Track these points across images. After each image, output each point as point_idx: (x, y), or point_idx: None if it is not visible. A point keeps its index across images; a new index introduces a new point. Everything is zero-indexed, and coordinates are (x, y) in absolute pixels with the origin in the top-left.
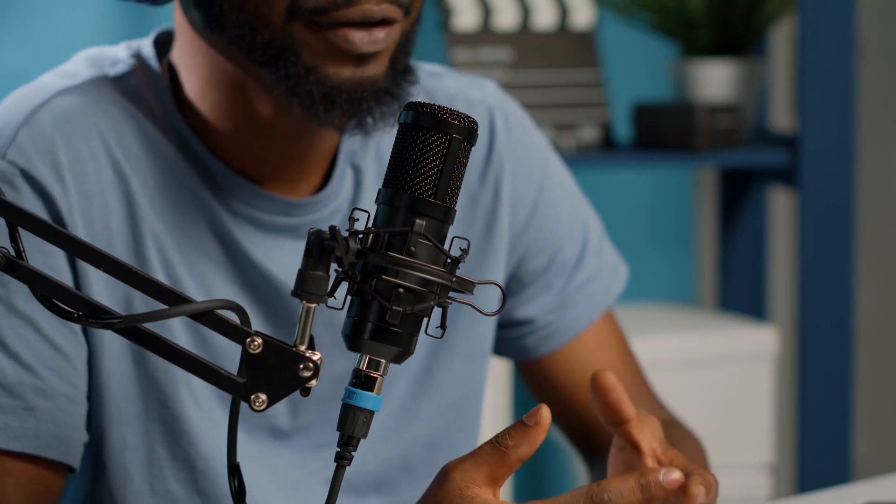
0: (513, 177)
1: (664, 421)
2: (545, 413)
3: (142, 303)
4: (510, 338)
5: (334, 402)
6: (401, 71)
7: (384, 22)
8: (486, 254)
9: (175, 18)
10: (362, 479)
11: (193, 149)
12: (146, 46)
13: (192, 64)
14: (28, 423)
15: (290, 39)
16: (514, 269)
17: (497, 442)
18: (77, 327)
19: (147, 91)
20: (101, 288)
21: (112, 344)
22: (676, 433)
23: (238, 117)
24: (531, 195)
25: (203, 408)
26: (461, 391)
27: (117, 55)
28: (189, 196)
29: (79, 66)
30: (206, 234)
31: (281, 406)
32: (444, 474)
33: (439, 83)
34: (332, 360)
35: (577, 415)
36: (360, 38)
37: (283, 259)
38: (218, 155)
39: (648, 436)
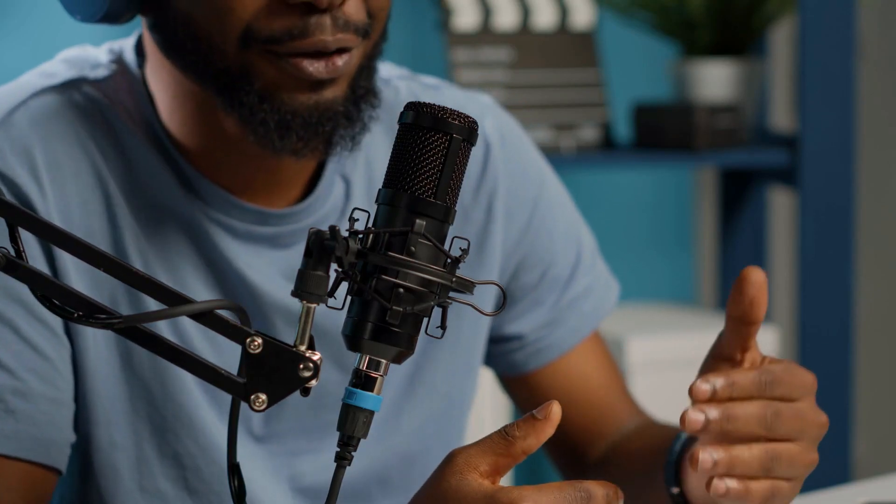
0: (507, 194)
1: (649, 426)
2: (556, 408)
3: (126, 305)
4: (499, 353)
5: (310, 411)
6: (361, 94)
7: (340, 50)
8: (477, 271)
9: (143, 34)
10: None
11: (171, 155)
12: (128, 50)
13: (160, 79)
14: (8, 426)
15: (243, 68)
16: (506, 285)
17: (505, 432)
18: (59, 329)
19: (126, 96)
20: (83, 289)
21: (98, 345)
22: (665, 432)
23: (206, 133)
24: (525, 211)
25: (191, 405)
26: (443, 406)
27: (98, 58)
28: (167, 201)
29: (59, 66)
30: (185, 239)
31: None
32: (449, 458)
33: (437, 97)
34: None
35: (561, 431)
36: (316, 68)
37: (261, 267)
38: (194, 164)
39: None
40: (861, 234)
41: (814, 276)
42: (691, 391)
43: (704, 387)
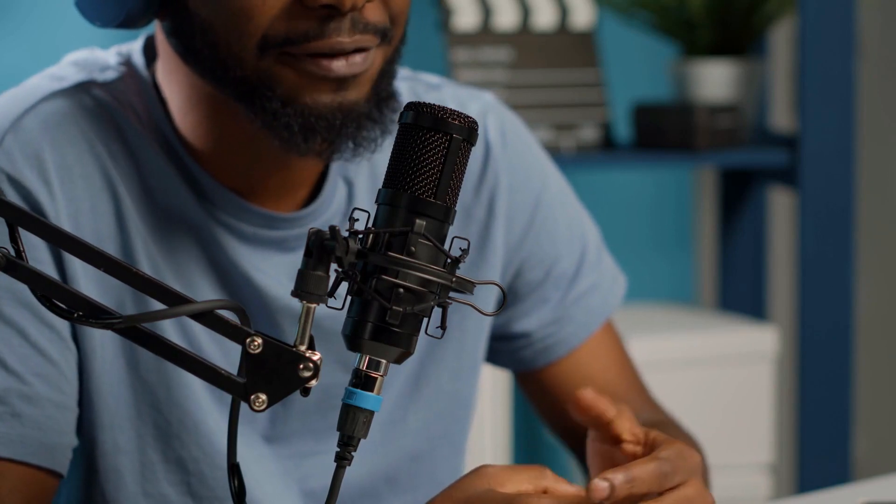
0: (509, 190)
1: (662, 422)
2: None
3: (133, 307)
4: (508, 350)
5: (317, 413)
6: (383, 97)
7: (358, 51)
8: (479, 269)
9: (157, 37)
10: (347, 490)
11: (181, 158)
12: (136, 53)
13: (173, 81)
14: (14, 430)
15: (263, 75)
16: (511, 283)
17: (542, 468)
18: (66, 333)
19: (136, 99)
20: (91, 292)
21: (104, 348)
22: (672, 434)
23: (220, 136)
24: (528, 208)
25: (197, 411)
26: (449, 405)
27: (107, 61)
28: (177, 204)
29: (67, 69)
30: (194, 242)
31: (263, 413)
32: (478, 469)
33: (438, 96)
34: None
35: (575, 423)
36: (337, 66)
37: (269, 270)
38: (204, 167)
39: (627, 424)
40: (861, 234)
41: (814, 276)
42: (588, 489)
43: (602, 485)
